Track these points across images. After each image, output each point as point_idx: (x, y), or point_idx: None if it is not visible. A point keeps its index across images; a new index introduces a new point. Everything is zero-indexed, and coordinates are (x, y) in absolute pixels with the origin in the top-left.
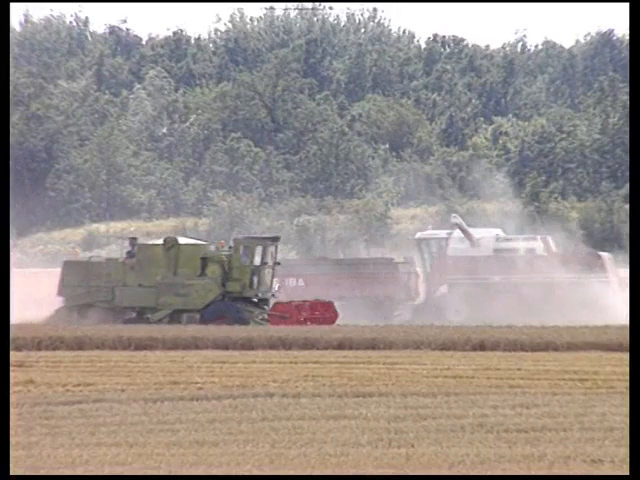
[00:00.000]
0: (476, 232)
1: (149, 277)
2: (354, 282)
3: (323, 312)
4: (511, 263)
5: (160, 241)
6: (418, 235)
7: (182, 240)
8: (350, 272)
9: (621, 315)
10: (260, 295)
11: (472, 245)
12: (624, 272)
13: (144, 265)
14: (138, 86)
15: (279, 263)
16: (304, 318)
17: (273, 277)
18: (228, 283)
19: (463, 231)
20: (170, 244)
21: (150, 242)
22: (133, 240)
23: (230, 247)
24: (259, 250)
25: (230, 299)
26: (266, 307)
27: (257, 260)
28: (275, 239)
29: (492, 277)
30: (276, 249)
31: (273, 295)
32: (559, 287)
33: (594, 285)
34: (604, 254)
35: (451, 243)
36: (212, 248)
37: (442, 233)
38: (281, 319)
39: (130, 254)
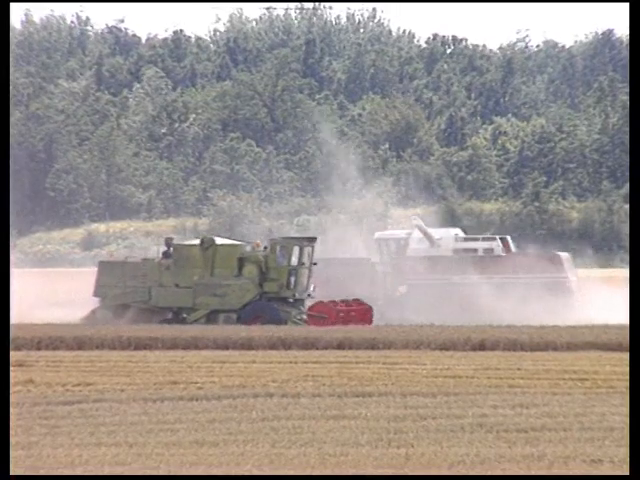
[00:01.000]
0: (435, 232)
1: (186, 277)
2: (326, 282)
3: (360, 311)
4: (470, 263)
5: (197, 241)
6: (377, 235)
7: (219, 240)
8: (323, 271)
9: (578, 316)
10: (297, 295)
11: (431, 245)
12: (583, 272)
13: (181, 265)
14: (137, 86)
15: (315, 263)
16: (342, 318)
17: (309, 277)
18: (265, 283)
19: (423, 232)
20: (207, 244)
21: (187, 242)
22: (169, 240)
23: (265, 247)
24: (296, 250)
25: (267, 299)
26: (302, 307)
27: (294, 260)
28: (312, 239)
29: (451, 277)
30: (312, 249)
31: (309, 295)
32: (516, 287)
33: (552, 285)
34: (563, 254)
35: (410, 243)
36: (248, 248)
37: (402, 233)
38: (319, 319)
39: (166, 254)
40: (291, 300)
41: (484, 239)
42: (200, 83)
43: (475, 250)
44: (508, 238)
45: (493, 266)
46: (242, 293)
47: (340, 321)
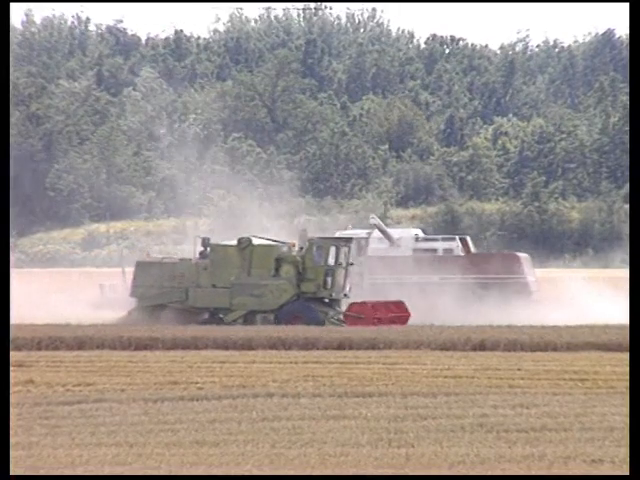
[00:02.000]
0: (395, 232)
1: (223, 278)
2: None
3: (397, 311)
4: (429, 263)
5: (234, 241)
6: (338, 235)
7: (255, 240)
8: None
9: (534, 317)
10: (334, 295)
11: (391, 245)
12: (541, 272)
13: (218, 266)
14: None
15: (352, 264)
16: (379, 318)
17: (346, 278)
18: (302, 283)
19: (382, 231)
20: (244, 244)
21: (223, 242)
22: (206, 240)
23: (301, 247)
24: (333, 250)
25: (304, 300)
26: (338, 308)
27: (331, 260)
28: (349, 240)
29: (411, 277)
30: (349, 250)
31: (346, 296)
32: (474, 287)
33: (510, 285)
34: (522, 255)
35: (371, 243)
36: (284, 248)
37: (362, 233)
38: (357, 319)
39: (203, 255)
40: (327, 300)
41: (444, 239)
42: (200, 83)
43: (435, 250)
44: (468, 238)
45: (452, 266)
46: (279, 293)
47: (377, 322)
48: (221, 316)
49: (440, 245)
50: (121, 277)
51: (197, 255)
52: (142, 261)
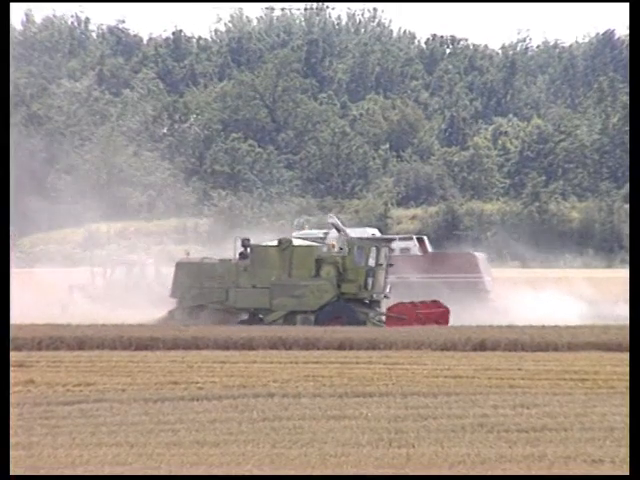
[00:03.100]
0: (352, 232)
1: (263, 278)
2: None
3: (438, 313)
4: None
5: (274, 242)
6: (295, 234)
7: (296, 241)
8: None
9: (491, 315)
10: (374, 296)
11: None
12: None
13: (258, 266)
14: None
15: (392, 264)
16: (420, 319)
17: (386, 278)
18: (343, 284)
19: (339, 231)
20: (285, 245)
21: (264, 243)
22: (246, 241)
23: (341, 248)
24: (373, 251)
25: (344, 300)
26: (378, 308)
27: (371, 261)
28: (389, 240)
29: None
30: (389, 250)
31: (386, 296)
32: (430, 286)
33: (466, 284)
34: (479, 254)
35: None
36: (324, 249)
37: (319, 233)
38: (398, 320)
39: (243, 255)
40: (367, 301)
41: (401, 239)
42: (201, 83)
43: (392, 250)
44: (425, 238)
45: (409, 265)
46: (320, 294)
47: (418, 322)
48: (261, 317)
49: (397, 245)
50: (90, 278)
51: (237, 256)
52: (182, 262)
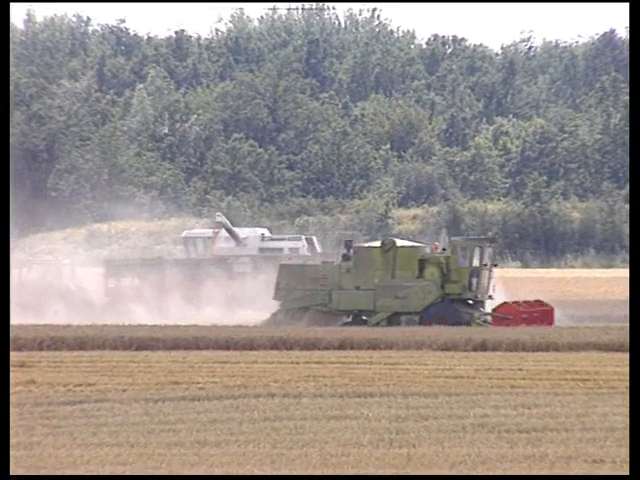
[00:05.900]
0: (242, 231)
1: (366, 280)
2: (193, 282)
3: (542, 312)
4: (275, 262)
5: (377, 243)
6: (184, 234)
7: (399, 242)
8: (191, 272)
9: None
10: (479, 297)
11: (237, 244)
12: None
13: (361, 268)
14: (140, 86)
15: (496, 265)
16: (525, 319)
17: (490, 279)
18: (447, 285)
19: (228, 230)
20: (388, 246)
21: (367, 245)
22: (349, 243)
23: (444, 249)
24: (477, 252)
25: (448, 301)
26: (482, 309)
27: (475, 262)
28: (492, 240)
29: (258, 275)
30: (493, 251)
31: (490, 297)
32: None
33: None
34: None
35: (217, 242)
36: (427, 250)
37: (208, 232)
38: (503, 320)
39: (346, 257)
40: (471, 302)
41: (290, 239)
42: (202, 83)
43: (281, 249)
44: (314, 238)
45: None
46: (424, 295)
47: (523, 322)
48: (365, 318)
49: (286, 244)
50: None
51: (340, 257)
52: (285, 264)
